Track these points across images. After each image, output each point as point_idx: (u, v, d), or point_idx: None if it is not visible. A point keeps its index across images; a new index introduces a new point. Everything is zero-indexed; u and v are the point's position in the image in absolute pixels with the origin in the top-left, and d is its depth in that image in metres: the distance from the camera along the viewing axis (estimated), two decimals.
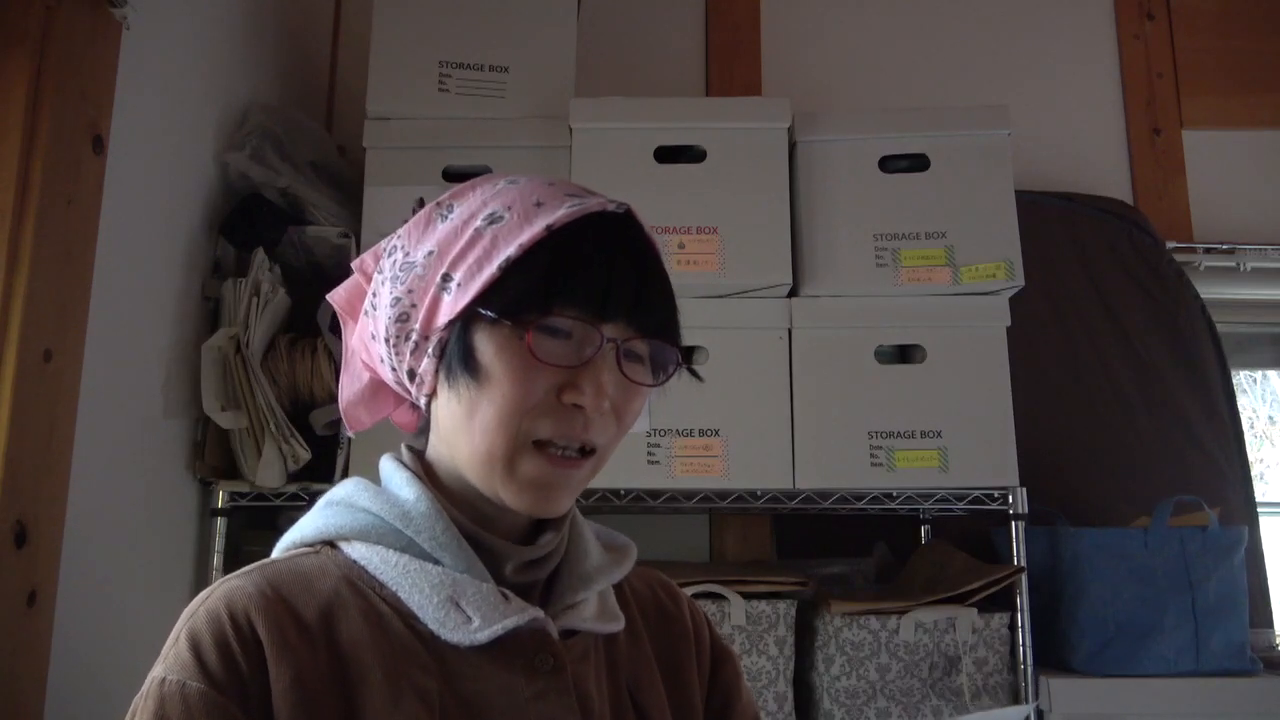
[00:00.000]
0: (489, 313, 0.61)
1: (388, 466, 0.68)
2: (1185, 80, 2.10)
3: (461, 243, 0.63)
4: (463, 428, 0.63)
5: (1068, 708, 1.42)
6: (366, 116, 1.55)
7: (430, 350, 0.64)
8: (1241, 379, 2.22)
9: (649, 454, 1.42)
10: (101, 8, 1.14)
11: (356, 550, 0.64)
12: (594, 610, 0.68)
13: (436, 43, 1.58)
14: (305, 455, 1.41)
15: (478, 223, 0.63)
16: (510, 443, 0.62)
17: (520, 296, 0.61)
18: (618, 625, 0.69)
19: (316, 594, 0.62)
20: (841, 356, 1.46)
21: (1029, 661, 1.41)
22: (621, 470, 1.42)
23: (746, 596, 1.40)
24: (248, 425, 1.39)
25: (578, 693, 0.64)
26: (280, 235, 1.48)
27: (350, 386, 0.72)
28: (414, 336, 0.64)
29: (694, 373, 0.71)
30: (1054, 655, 1.51)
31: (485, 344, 0.62)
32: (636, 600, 0.75)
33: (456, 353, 0.63)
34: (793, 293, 1.49)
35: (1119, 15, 2.14)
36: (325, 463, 1.44)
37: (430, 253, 0.64)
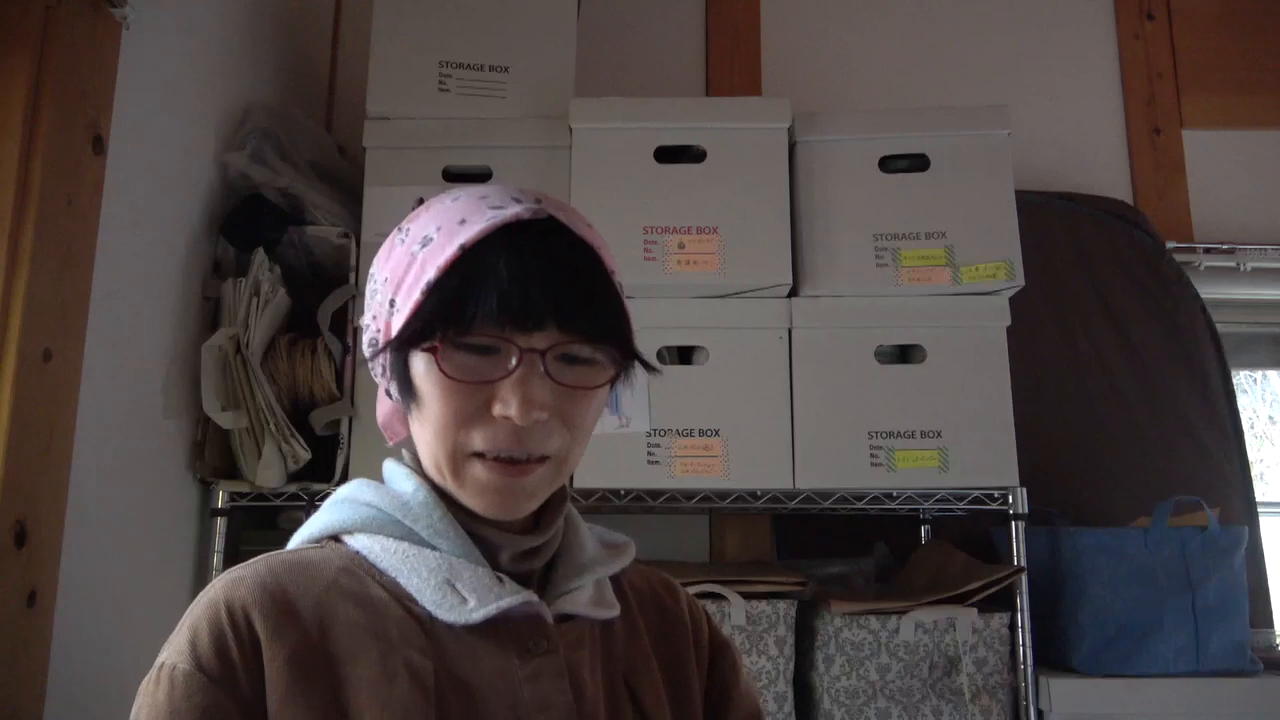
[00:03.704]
0: (409, 337, 0.63)
1: (389, 465, 0.72)
2: (1185, 80, 2.10)
3: (403, 267, 0.66)
4: (419, 439, 0.68)
5: (1068, 708, 1.42)
6: (366, 116, 1.55)
7: (385, 372, 0.69)
8: (1241, 379, 2.22)
9: (649, 454, 1.42)
10: (101, 8, 1.14)
11: (359, 541, 0.68)
12: (589, 598, 0.70)
13: (436, 43, 1.58)
14: (305, 455, 1.41)
15: (415, 246, 0.66)
16: (451, 455, 0.65)
17: (436, 319, 0.62)
18: (612, 612, 0.71)
19: (315, 581, 0.65)
20: (841, 356, 1.46)
21: (1029, 661, 1.41)
22: (621, 470, 1.42)
23: (746, 596, 1.40)
24: (248, 425, 1.39)
25: (571, 675, 0.65)
26: (280, 235, 1.48)
27: (382, 404, 0.75)
28: (380, 359, 0.69)
29: (648, 365, 0.70)
30: (1054, 655, 1.51)
31: (417, 366, 0.65)
32: (635, 596, 0.77)
33: (396, 377, 0.67)
34: (793, 293, 1.49)
35: (1119, 15, 2.14)
36: (325, 463, 1.44)
37: (385, 279, 0.67)
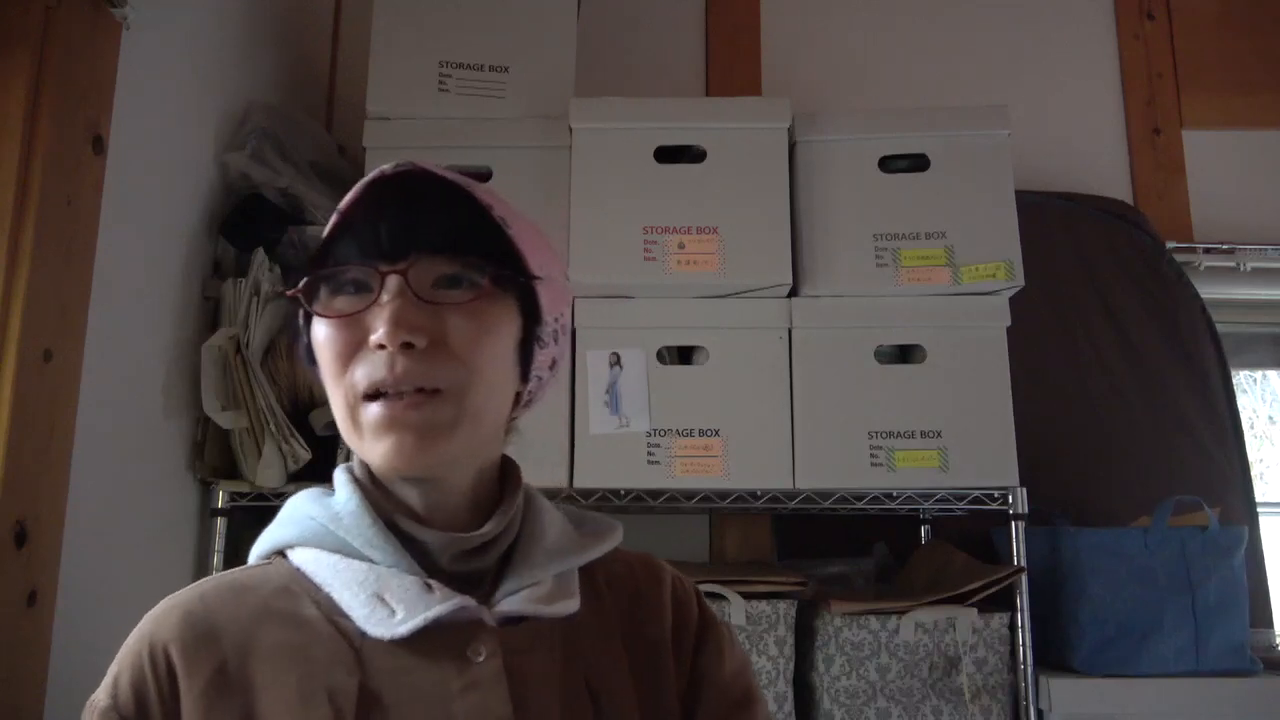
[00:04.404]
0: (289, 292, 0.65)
1: (336, 472, 0.69)
2: (1185, 80, 2.10)
3: None
4: (334, 412, 0.66)
5: (1068, 708, 1.42)
6: (366, 116, 1.55)
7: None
8: (1241, 379, 2.22)
9: (649, 454, 1.42)
10: (101, 8, 1.14)
11: (299, 556, 0.67)
12: (544, 594, 0.65)
13: (436, 43, 1.58)
14: (305, 455, 1.41)
15: None
16: (345, 402, 0.63)
17: (310, 272, 0.64)
18: (565, 608, 0.66)
19: (244, 605, 0.64)
20: (841, 356, 1.46)
21: (1029, 661, 1.41)
22: (621, 470, 1.42)
23: (746, 596, 1.40)
24: (248, 425, 1.39)
25: (515, 682, 0.62)
26: (280, 235, 1.48)
27: None
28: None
29: (531, 275, 0.66)
30: (1054, 655, 1.51)
31: (314, 335, 0.65)
32: (612, 585, 0.72)
33: (306, 352, 0.67)
34: (793, 293, 1.49)
35: (1119, 15, 2.14)
36: (325, 463, 1.44)
37: None
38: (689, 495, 1.46)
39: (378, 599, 0.61)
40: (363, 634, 0.61)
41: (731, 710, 0.70)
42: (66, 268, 1.08)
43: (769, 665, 1.39)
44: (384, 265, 0.62)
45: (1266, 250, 1.98)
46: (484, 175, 1.53)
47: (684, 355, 1.51)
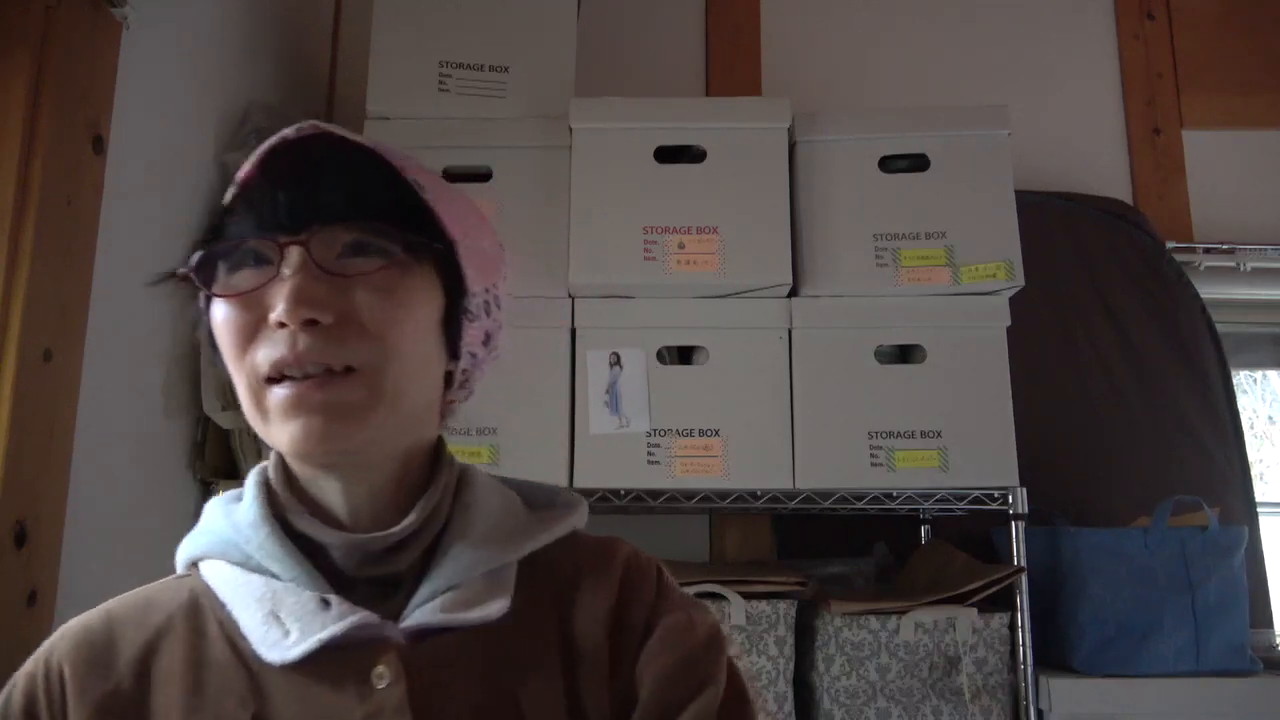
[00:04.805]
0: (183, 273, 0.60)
1: (249, 475, 0.65)
2: (1185, 80, 2.10)
3: None
4: (239, 398, 0.60)
5: (1068, 708, 1.42)
6: (366, 116, 1.55)
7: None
8: (1241, 379, 2.22)
9: (649, 454, 1.42)
10: (101, 8, 1.14)
11: (208, 569, 0.63)
12: (466, 597, 0.58)
13: (436, 43, 1.58)
14: None
15: None
16: (248, 387, 0.58)
17: (204, 247, 0.59)
18: (488, 612, 0.58)
19: (145, 627, 0.60)
20: (841, 356, 1.46)
21: (1029, 661, 1.41)
22: (621, 470, 1.42)
23: (746, 596, 1.40)
24: (248, 425, 1.39)
25: (422, 707, 0.55)
26: None
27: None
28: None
29: (450, 241, 0.61)
30: (1054, 655, 1.51)
31: (213, 317, 0.60)
32: (554, 575, 0.64)
33: (207, 337, 0.61)
34: (793, 293, 1.49)
35: (1119, 15, 2.14)
36: None
37: None
38: (689, 495, 1.46)
39: (274, 618, 0.56)
40: (260, 658, 0.56)
41: (685, 699, 0.60)
42: (66, 268, 1.08)
43: (769, 665, 1.39)
44: (283, 236, 0.56)
45: (1266, 250, 1.98)
46: (484, 175, 1.53)
47: (684, 355, 1.50)
